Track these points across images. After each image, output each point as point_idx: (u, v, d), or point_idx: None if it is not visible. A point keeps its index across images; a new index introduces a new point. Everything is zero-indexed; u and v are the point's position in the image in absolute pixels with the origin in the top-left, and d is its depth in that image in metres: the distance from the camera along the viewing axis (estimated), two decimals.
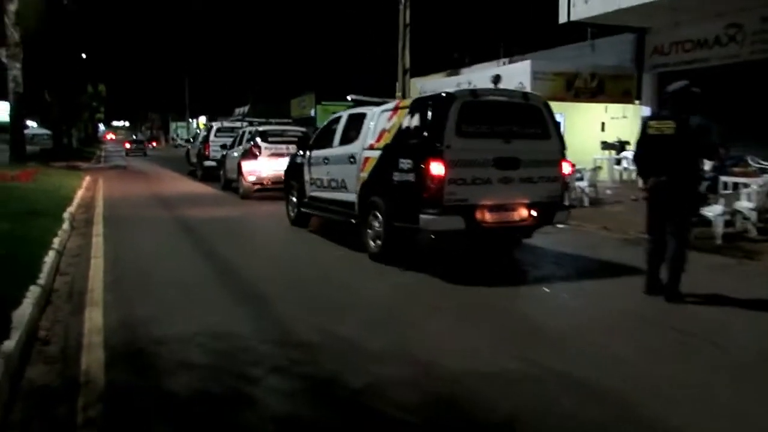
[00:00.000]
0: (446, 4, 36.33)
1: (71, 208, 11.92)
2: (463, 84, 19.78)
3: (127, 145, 52.24)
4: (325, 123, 9.91)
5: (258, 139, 14.42)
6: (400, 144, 6.99)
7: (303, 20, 49.51)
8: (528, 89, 16.43)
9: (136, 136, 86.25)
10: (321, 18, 47.74)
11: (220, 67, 66.29)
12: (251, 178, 14.41)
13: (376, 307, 5.70)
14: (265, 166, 14.26)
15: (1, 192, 13.38)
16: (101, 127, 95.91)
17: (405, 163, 6.68)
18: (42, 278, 6.05)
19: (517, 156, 6.62)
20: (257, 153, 14.27)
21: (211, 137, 20.49)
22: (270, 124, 15.71)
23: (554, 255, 8.07)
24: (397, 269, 7.03)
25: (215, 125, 20.77)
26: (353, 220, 8.00)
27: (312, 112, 44.45)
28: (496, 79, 7.41)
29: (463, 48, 33.61)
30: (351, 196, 8.02)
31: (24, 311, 4.94)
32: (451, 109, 6.38)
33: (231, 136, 20.26)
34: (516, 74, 17.02)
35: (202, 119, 79.29)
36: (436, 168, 6.25)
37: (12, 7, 20.98)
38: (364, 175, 7.63)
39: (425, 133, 6.58)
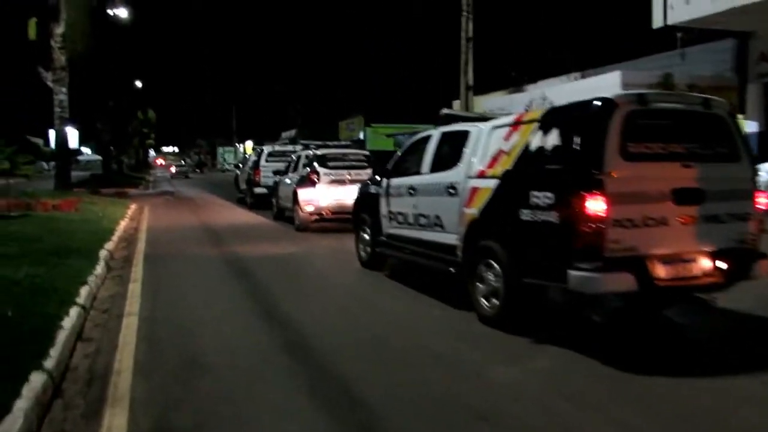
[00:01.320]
0: (502, 18, 34.63)
1: (110, 244, 10.48)
2: (536, 101, 17.93)
3: (173, 170, 58.95)
4: (408, 144, 8.19)
5: (316, 164, 12.82)
6: (530, 170, 5.17)
7: (353, 40, 48.52)
8: None
9: (183, 161, 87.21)
10: (371, 38, 46.66)
11: (266, 91, 66.12)
12: (309, 208, 12.79)
13: (521, 416, 3.82)
14: (325, 194, 12.63)
15: (38, 224, 12.11)
16: (151, 152, 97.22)
17: (541, 197, 4.84)
18: (51, 359, 4.42)
19: (700, 186, 4.71)
20: (315, 180, 12.65)
21: (262, 162, 19.07)
22: (328, 146, 14.11)
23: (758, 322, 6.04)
24: (521, 340, 5.16)
25: (266, 149, 19.38)
26: (452, 269, 6.20)
27: (361, 135, 43.16)
28: None
29: (519, 65, 31.80)
30: (450, 238, 6.24)
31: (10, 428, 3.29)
32: (612, 121, 4.54)
33: (283, 161, 18.79)
34: (601, 88, 15.05)
35: (249, 144, 79.39)
36: (595, 205, 4.40)
37: (58, 30, 20.19)
38: (472, 211, 5.83)
39: (573, 156, 4.73)
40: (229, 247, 11.06)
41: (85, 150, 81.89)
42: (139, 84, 61.69)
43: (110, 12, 33.65)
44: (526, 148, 5.25)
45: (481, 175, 5.78)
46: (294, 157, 14.90)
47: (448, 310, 6.30)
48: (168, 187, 35.37)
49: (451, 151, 6.52)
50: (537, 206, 4.87)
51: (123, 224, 14.36)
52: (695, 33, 17.28)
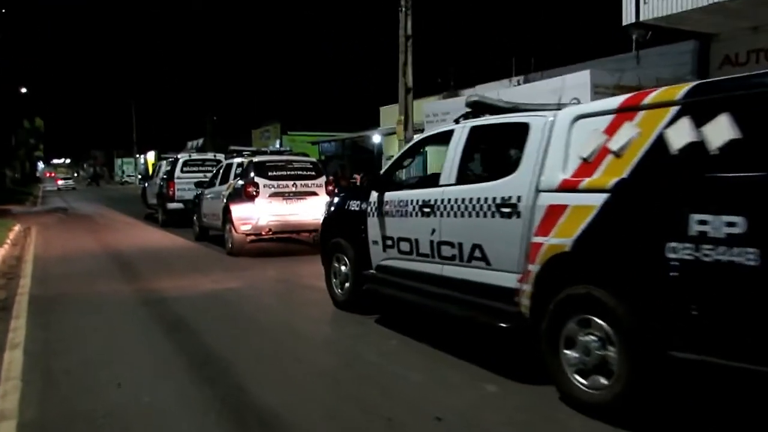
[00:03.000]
0: (434, 19, 33.34)
1: None
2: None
3: (60, 182, 55.60)
4: (410, 144, 6.16)
5: (253, 175, 10.49)
6: (681, 179, 3.26)
7: (268, 42, 45.86)
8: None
9: (77, 173, 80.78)
10: (288, 40, 44.20)
11: (170, 97, 61.86)
12: (245, 228, 10.44)
13: None
14: (266, 210, 10.34)
15: None
16: (40, 165, 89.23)
17: (716, 224, 2.95)
18: None
19: None
20: (254, 193, 10.33)
21: (177, 173, 16.35)
22: (264, 153, 11.78)
23: None
24: None
25: (181, 157, 16.66)
26: (505, 324, 4.22)
27: (277, 143, 40.56)
28: None
29: (452, 68, 30.56)
30: (502, 278, 4.27)
31: None
32: None
33: (203, 171, 16.25)
34: (568, 88, 13.67)
35: (151, 154, 74.16)
36: None
37: None
38: (553, 241, 3.86)
39: None
40: (147, 282, 8.54)
41: None
42: (24, 90, 56.01)
43: None
44: (658, 144, 3.36)
45: (568, 187, 3.84)
46: (221, 166, 12.44)
47: (502, 383, 4.29)
48: (60, 203, 31.26)
49: (494, 153, 4.60)
50: (707, 238, 2.98)
51: (1, 252, 11.37)
52: (650, 35, 16.37)
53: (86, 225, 18.40)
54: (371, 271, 5.92)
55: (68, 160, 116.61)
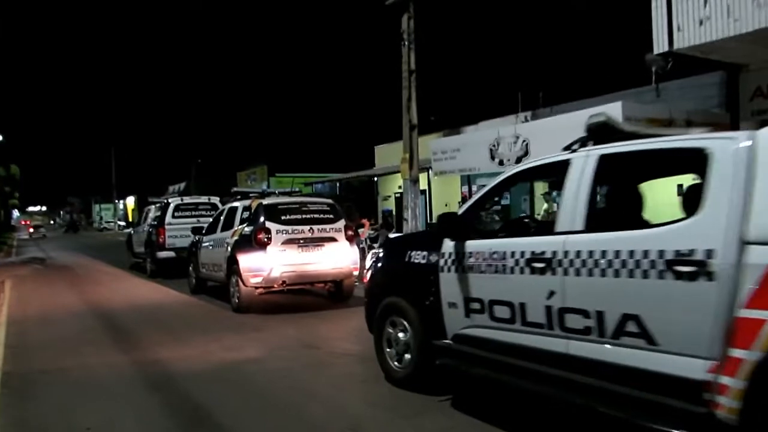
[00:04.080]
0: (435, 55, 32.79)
1: None
2: (506, 138, 15.36)
3: (31, 230, 55.27)
4: (500, 180, 4.82)
5: (263, 219, 9.20)
6: None
7: (250, 83, 45.01)
8: None
9: (53, 221, 78.61)
10: (272, 80, 43.35)
11: (150, 141, 60.60)
12: (255, 280, 9.09)
13: None
14: (279, 259, 9.03)
15: None
16: (15, 213, 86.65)
17: None
18: None
19: None
20: (265, 240, 9.02)
21: (168, 218, 14.99)
22: (272, 194, 10.50)
23: None
24: None
25: (173, 201, 15.30)
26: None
27: (265, 187, 39.33)
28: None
29: (441, 108, 29.85)
30: (686, 367, 3.00)
31: None
32: None
33: (197, 216, 14.94)
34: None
35: (131, 200, 72.34)
36: None
37: None
38: None
39: None
40: (146, 351, 7.13)
41: None
42: None
43: None
44: None
45: None
46: (224, 210, 11.12)
47: None
48: (37, 252, 29.47)
49: (634, 190, 3.37)
50: None
51: None
52: (670, 66, 15.58)
53: (66, 277, 16.83)
54: (446, 341, 4.63)
55: (44, 208, 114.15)
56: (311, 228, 9.27)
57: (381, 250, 5.83)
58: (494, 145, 15.47)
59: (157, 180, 58.87)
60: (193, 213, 15.20)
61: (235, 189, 11.47)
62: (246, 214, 9.78)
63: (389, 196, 26.72)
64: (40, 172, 77.05)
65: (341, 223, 9.68)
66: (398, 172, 23.46)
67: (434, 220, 20.97)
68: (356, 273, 9.82)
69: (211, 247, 10.77)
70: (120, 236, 47.71)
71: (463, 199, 18.28)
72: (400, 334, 5.16)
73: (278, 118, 46.16)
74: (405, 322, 5.08)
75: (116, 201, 72.99)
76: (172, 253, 14.74)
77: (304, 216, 9.40)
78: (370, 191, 28.80)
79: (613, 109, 12.37)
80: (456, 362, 4.55)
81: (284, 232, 9.13)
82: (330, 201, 10.07)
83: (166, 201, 15.62)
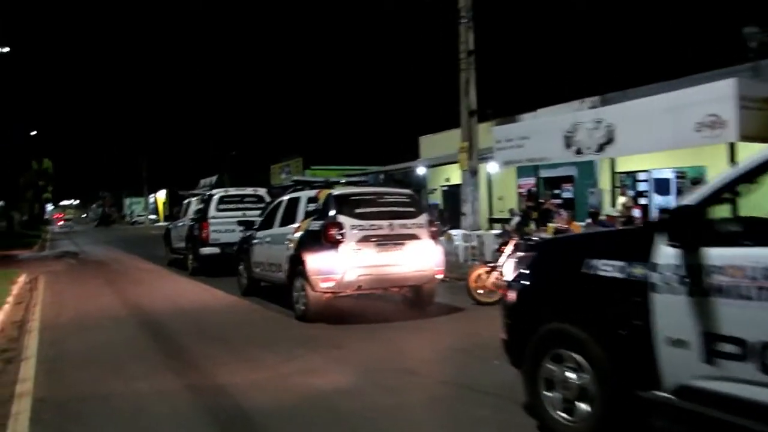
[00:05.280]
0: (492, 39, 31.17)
1: None
2: (585, 124, 13.73)
3: (60, 223, 58.16)
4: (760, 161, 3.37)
5: (333, 212, 7.81)
6: None
7: (286, 74, 43.84)
8: (732, 122, 10.43)
9: (86, 215, 78.90)
10: (309, 70, 42.12)
11: (182, 134, 59.97)
12: (326, 285, 7.70)
13: None
14: (354, 260, 7.62)
15: None
16: (49, 207, 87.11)
17: None
18: None
19: None
20: (337, 237, 7.63)
21: (212, 211, 13.73)
22: (335, 184, 9.09)
23: None
24: None
25: (217, 193, 14.03)
26: None
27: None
28: None
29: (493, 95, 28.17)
30: None
31: None
32: None
33: (242, 209, 13.67)
34: (700, 102, 11.03)
35: (162, 193, 71.96)
36: None
37: None
38: None
39: None
40: (204, 373, 5.78)
41: None
42: (33, 132, 54.20)
43: None
44: None
45: None
46: (281, 202, 9.76)
47: None
48: (70, 247, 28.64)
49: None
50: None
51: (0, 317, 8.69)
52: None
53: (101, 273, 15.72)
54: (663, 394, 3.16)
55: (77, 201, 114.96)
56: (390, 223, 7.85)
57: (530, 253, 4.35)
58: (570, 132, 13.90)
59: (188, 173, 58.22)
60: (239, 206, 13.92)
61: (296, 178, 10.10)
62: (311, 207, 8.39)
63: (435, 189, 25.20)
64: (72, 166, 77.11)
65: (423, 218, 8.25)
66: (447, 163, 21.99)
67: (493, 215, 19.41)
68: (440, 276, 8.37)
69: (267, 244, 9.42)
70: (152, 230, 47.06)
71: (529, 193, 16.70)
72: (571, 375, 3.69)
73: (314, 108, 44.89)
74: (580, 358, 3.62)
75: (147, 195, 72.65)
76: (216, 249, 13.49)
77: (381, 209, 7.99)
78: (413, 184, 27.31)
79: (721, 88, 10.75)
80: (687, 429, 3.07)
81: (359, 227, 7.72)
82: (410, 192, 8.63)
83: (208, 193, 14.35)
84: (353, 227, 7.71)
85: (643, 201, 16.55)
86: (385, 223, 7.83)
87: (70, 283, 13.72)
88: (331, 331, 7.51)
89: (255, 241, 9.96)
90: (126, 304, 10.42)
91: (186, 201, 16.45)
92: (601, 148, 13.17)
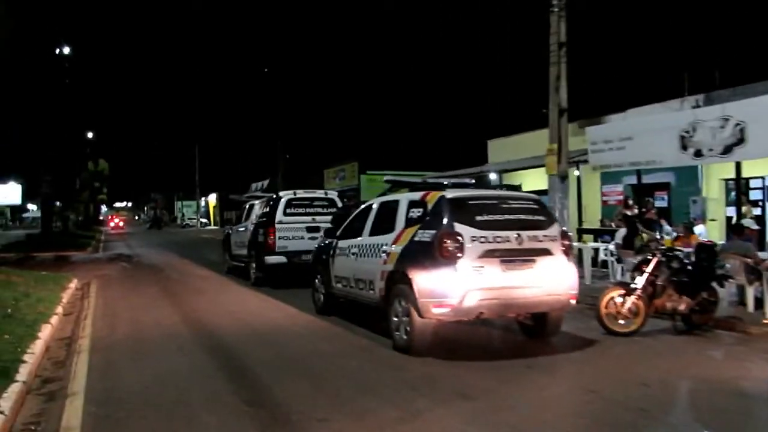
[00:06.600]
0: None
1: None
2: (707, 122, 11.83)
3: (111, 224, 60.43)
4: None
5: (449, 220, 6.24)
6: None
7: (343, 75, 42.71)
8: None
9: (138, 217, 79.78)
10: (365, 71, 40.92)
11: (234, 137, 59.64)
12: (440, 311, 6.11)
13: None
14: (476, 280, 6.03)
15: None
16: (104, 208, 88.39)
17: None
18: None
19: None
20: (454, 251, 6.06)
21: (279, 216, 12.36)
22: (440, 186, 7.52)
23: None
24: None
25: (285, 196, 12.64)
26: None
27: (356, 184, 36.77)
28: None
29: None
30: None
31: None
32: None
33: (312, 213, 12.33)
34: None
35: (213, 197, 71.84)
36: None
37: None
38: None
39: None
40: None
41: (32, 206, 72.96)
42: (90, 134, 54.71)
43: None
44: None
45: None
46: (371, 206, 8.23)
47: None
48: (123, 249, 27.94)
49: None
50: None
51: (47, 333, 7.46)
52: None
53: (157, 280, 14.56)
54: None
55: (129, 204, 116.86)
56: (518, 234, 6.24)
57: None
58: (688, 132, 11.99)
59: (239, 177, 57.63)
60: (308, 210, 12.55)
61: (389, 178, 8.55)
62: (414, 213, 6.84)
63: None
64: (126, 168, 77.96)
65: (556, 229, 6.61)
66: (519, 168, 20.25)
67: (582, 225, 17.46)
68: (573, 302, 6.69)
69: (353, 256, 7.91)
70: (202, 233, 46.54)
71: (626, 200, 14.81)
72: None
73: (371, 111, 43.48)
74: None
75: (199, 198, 72.70)
76: (283, 258, 12.11)
77: (506, 217, 6.39)
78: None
79: None
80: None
81: (481, 239, 6.13)
82: (536, 197, 6.99)
83: (275, 195, 12.99)
84: (474, 239, 6.12)
85: (756, 211, 14.57)
86: (512, 234, 6.22)
87: (124, 291, 12.56)
88: (448, 369, 5.93)
89: (337, 251, 8.47)
90: (186, 320, 9.10)
91: (247, 204, 15.18)
92: (728, 149, 11.26)
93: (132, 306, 10.48)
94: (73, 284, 12.84)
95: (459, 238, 6.10)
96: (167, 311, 9.91)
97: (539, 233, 6.40)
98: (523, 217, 6.47)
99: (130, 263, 19.94)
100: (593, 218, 17.84)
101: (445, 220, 6.26)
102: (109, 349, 7.14)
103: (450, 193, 6.57)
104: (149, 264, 19.57)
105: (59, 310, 9.56)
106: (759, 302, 8.49)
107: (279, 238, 12.21)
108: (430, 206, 6.59)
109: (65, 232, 39.26)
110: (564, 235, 6.68)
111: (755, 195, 15.00)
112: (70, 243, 28.68)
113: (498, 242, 6.17)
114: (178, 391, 5.38)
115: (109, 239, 38.84)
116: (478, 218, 6.26)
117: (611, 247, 12.63)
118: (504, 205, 6.51)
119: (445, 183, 7.66)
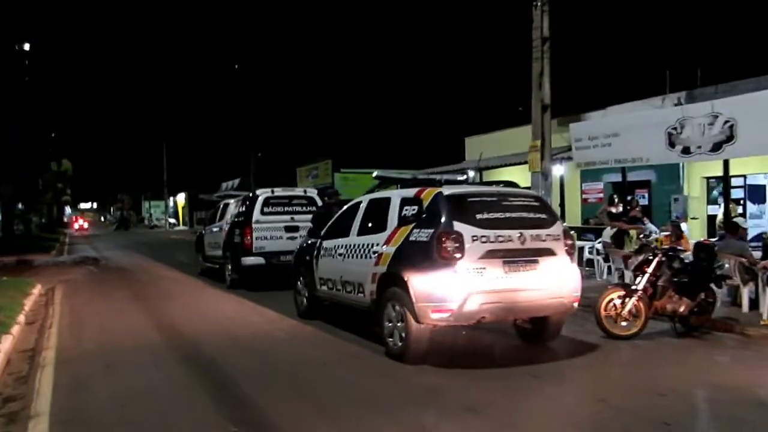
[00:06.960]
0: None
1: None
2: (697, 119, 11.66)
3: (75, 225, 58.65)
4: None
5: (448, 218, 5.83)
6: None
7: (313, 71, 42.07)
8: None
9: (104, 218, 77.92)
10: (337, 67, 40.34)
11: (203, 136, 58.49)
12: (438, 316, 5.70)
13: None
14: (477, 282, 5.64)
15: None
16: (68, 210, 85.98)
17: None
18: None
19: None
20: (453, 251, 5.65)
21: (256, 215, 11.82)
22: (435, 183, 7.09)
23: None
24: None
25: (262, 194, 12.09)
26: None
27: (329, 183, 36.24)
28: None
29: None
30: None
31: None
32: None
33: (290, 213, 11.84)
34: None
35: (181, 196, 70.37)
36: None
37: None
38: None
39: None
40: None
41: None
42: (52, 133, 52.98)
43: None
44: None
45: None
46: (361, 203, 7.76)
47: None
48: (89, 251, 26.93)
49: None
50: None
51: (7, 344, 6.85)
52: None
53: (126, 284, 13.84)
54: None
55: (95, 205, 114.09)
56: (521, 234, 5.87)
57: None
58: (675, 129, 11.82)
59: (209, 176, 56.53)
60: (286, 209, 12.03)
61: (378, 173, 8.07)
62: (408, 211, 6.41)
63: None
64: (90, 168, 75.95)
65: (559, 227, 6.25)
66: (500, 166, 20.00)
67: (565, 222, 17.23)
68: (576, 304, 6.34)
69: (341, 257, 7.45)
70: (171, 234, 45.44)
71: (611, 199, 14.61)
72: None
73: (343, 109, 42.91)
74: None
75: (167, 198, 71.13)
76: (260, 259, 11.59)
77: (507, 215, 6.00)
78: None
79: None
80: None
81: (482, 239, 5.74)
82: (537, 194, 6.64)
83: (252, 194, 12.44)
84: (474, 238, 5.73)
85: (738, 209, 14.54)
86: (514, 233, 5.84)
87: (92, 296, 11.87)
88: (450, 379, 5.51)
89: (322, 252, 8.00)
90: (160, 327, 8.52)
91: (222, 202, 14.57)
92: (717, 146, 11.09)
93: (100, 312, 9.84)
94: (37, 290, 12.11)
95: (459, 237, 5.69)
96: (139, 318, 9.31)
97: (542, 232, 6.04)
98: (524, 215, 6.10)
99: (97, 267, 19.09)
100: (573, 216, 17.67)
101: (443, 219, 5.85)
102: (77, 362, 6.56)
103: (447, 190, 6.16)
104: (117, 267, 18.76)
105: (21, 318, 8.90)
106: (753, 303, 8.29)
107: (256, 238, 11.68)
108: (425, 203, 6.16)
109: (28, 235, 37.90)
110: (567, 234, 6.33)
111: (737, 193, 14.96)
112: (33, 246, 27.53)
113: (500, 242, 5.78)
114: (156, 410, 4.86)
115: (74, 241, 37.54)
116: (479, 216, 5.86)
117: (598, 245, 12.41)
118: (504, 203, 6.12)
119: (439, 179, 7.25)
